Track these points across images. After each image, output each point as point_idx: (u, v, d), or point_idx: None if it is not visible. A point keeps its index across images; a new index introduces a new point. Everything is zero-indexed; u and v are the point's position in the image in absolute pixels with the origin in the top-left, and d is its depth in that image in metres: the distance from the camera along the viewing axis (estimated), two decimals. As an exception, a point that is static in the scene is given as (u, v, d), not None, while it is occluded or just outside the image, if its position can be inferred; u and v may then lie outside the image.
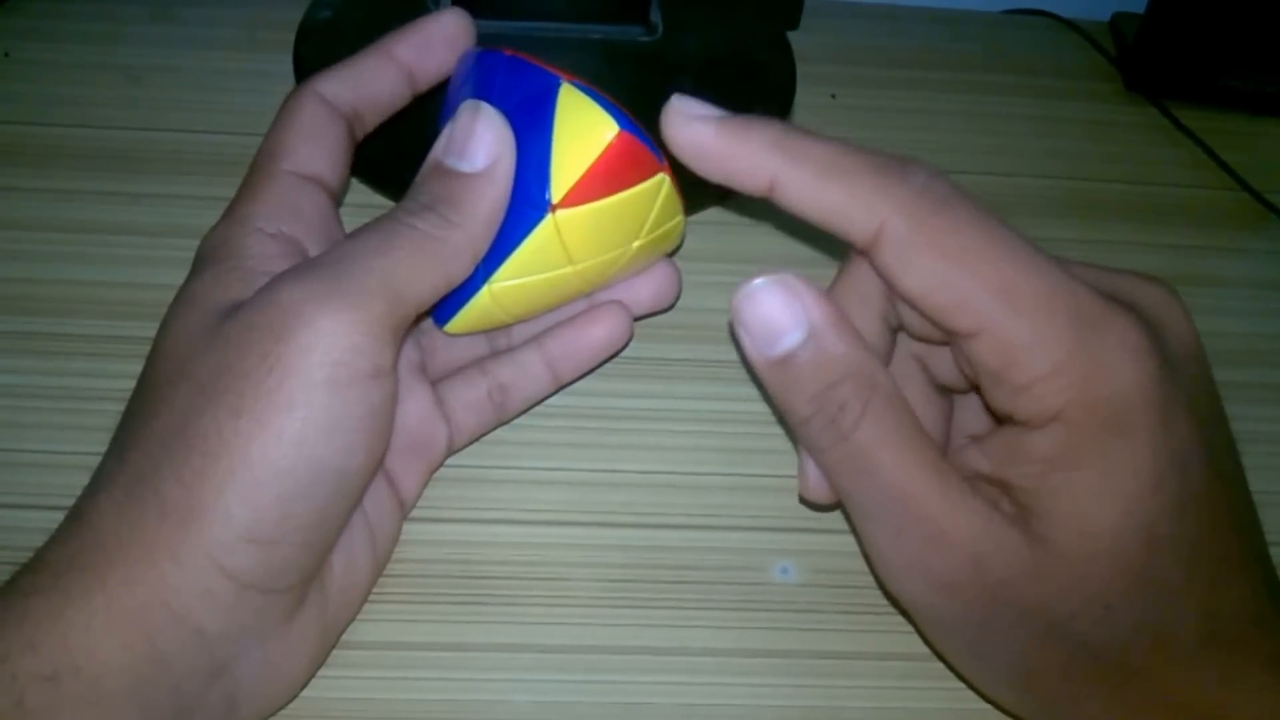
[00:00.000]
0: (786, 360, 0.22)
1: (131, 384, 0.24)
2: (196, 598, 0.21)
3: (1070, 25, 0.46)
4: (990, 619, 0.22)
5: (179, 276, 0.25)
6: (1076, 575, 0.21)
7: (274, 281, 0.23)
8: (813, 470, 0.25)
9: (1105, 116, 0.43)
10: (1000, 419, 0.23)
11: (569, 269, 0.27)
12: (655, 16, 0.39)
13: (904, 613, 0.27)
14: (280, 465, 0.21)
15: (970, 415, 0.26)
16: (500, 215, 0.25)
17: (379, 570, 0.27)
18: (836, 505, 0.27)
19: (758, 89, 0.39)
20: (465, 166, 0.25)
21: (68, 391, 0.30)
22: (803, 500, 0.27)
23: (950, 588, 0.22)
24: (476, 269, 0.25)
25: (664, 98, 0.24)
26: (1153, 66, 0.43)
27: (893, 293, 0.23)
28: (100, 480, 0.23)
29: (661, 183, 0.27)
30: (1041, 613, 0.21)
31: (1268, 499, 0.27)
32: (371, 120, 0.28)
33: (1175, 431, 0.21)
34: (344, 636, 0.26)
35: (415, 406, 0.28)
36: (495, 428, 0.30)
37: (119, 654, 0.21)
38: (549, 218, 0.25)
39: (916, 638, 0.27)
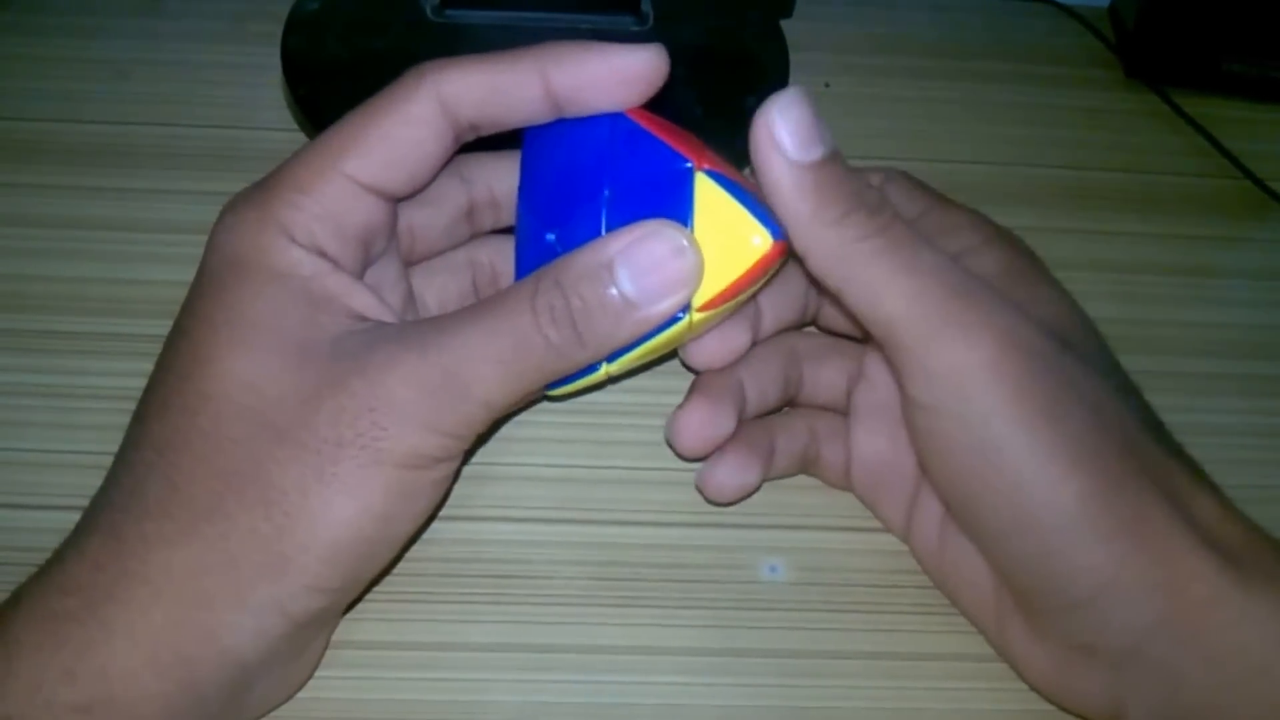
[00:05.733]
0: (829, 161, 0.22)
1: (122, 381, 0.24)
2: (250, 636, 0.22)
3: (1069, 11, 0.46)
4: (1039, 378, 0.23)
5: (169, 272, 0.25)
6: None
7: (383, 357, 0.22)
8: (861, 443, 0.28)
9: (1105, 104, 0.42)
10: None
11: (684, 339, 0.26)
12: (646, 5, 0.39)
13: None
14: (363, 534, 0.22)
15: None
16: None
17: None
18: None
19: (750, 78, 0.38)
20: (632, 292, 0.22)
21: (56, 389, 0.30)
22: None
23: (992, 358, 0.22)
24: None
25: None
26: (1153, 53, 0.42)
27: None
28: (145, 503, 0.22)
29: (785, 258, 0.24)
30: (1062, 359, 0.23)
31: (1270, 493, 0.27)
32: (486, 133, 0.24)
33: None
34: (331, 636, 0.26)
35: None
36: None
37: (155, 683, 0.21)
38: (685, 320, 0.23)
39: (906, 636, 0.27)
